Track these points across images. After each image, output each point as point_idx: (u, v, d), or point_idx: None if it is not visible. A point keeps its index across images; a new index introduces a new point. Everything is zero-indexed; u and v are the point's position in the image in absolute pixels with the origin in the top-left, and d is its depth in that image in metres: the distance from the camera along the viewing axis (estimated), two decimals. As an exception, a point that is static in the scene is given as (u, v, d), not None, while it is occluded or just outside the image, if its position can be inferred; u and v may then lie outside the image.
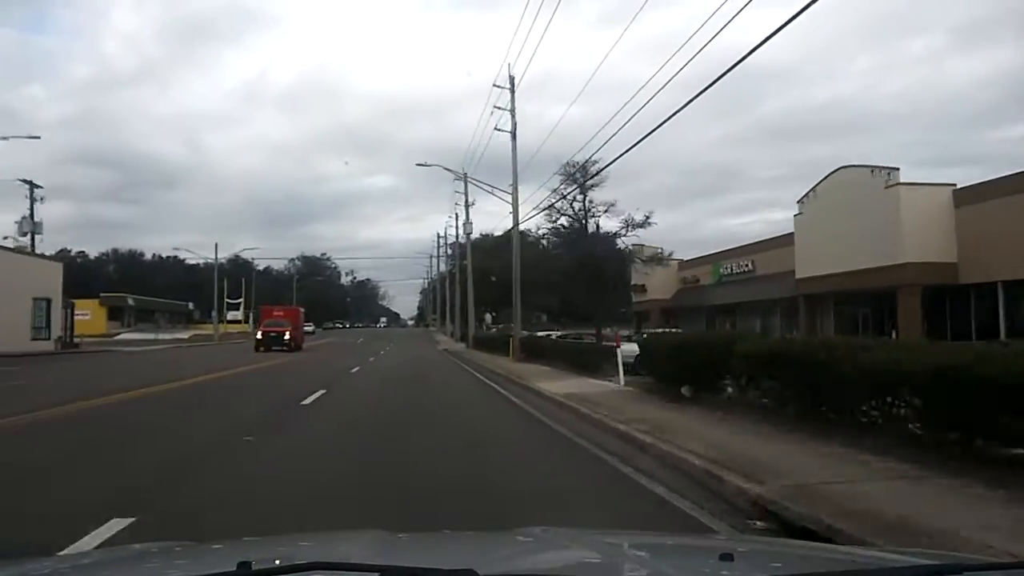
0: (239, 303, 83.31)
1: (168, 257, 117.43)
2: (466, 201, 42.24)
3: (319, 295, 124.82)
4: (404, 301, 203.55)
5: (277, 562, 1.76)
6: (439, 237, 77.66)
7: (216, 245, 77.73)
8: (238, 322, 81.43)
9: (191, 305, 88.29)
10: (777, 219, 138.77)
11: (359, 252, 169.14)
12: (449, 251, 77.60)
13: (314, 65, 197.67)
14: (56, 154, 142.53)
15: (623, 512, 5.94)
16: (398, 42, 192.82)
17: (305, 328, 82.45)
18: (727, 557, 1.76)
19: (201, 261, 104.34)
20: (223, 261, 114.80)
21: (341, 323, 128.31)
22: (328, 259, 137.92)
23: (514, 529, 2.35)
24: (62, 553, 3.62)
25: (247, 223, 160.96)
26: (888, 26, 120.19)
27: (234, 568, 1.48)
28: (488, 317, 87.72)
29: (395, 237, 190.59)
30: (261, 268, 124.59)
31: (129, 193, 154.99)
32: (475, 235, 56.17)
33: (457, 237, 59.82)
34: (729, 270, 44.22)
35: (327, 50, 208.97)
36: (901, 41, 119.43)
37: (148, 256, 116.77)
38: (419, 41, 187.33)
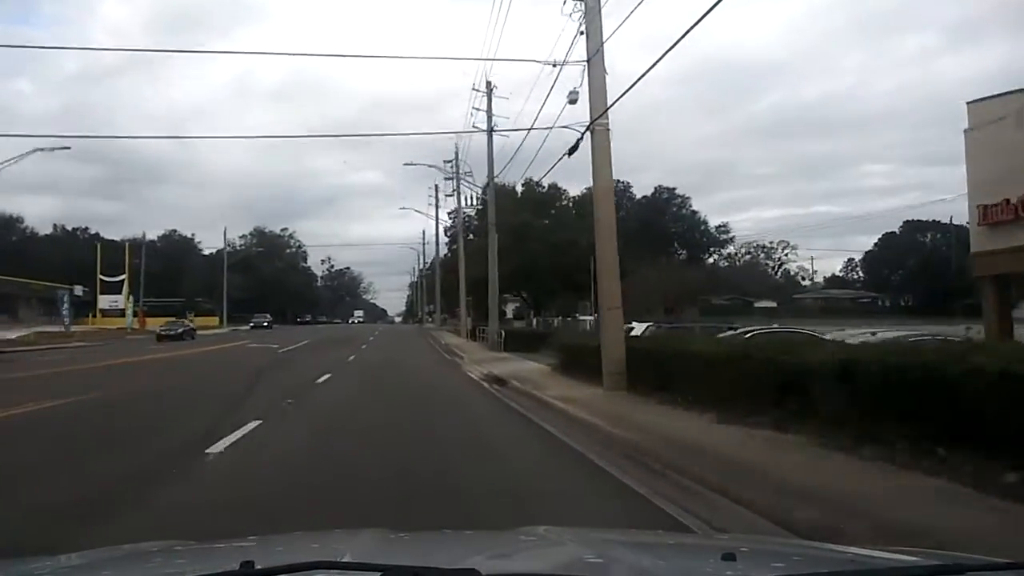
0: (120, 281, 55.60)
1: (75, 229, 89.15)
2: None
3: (279, 283, 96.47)
4: (390, 297, 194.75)
5: (280, 562, 1.60)
6: (437, 188, 51.54)
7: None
8: (119, 311, 54.08)
9: (79, 290, 60.17)
10: (768, 216, 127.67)
11: (344, 246, 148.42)
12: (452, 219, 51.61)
13: (302, 59, 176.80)
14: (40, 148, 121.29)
15: None
16: (388, 36, 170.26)
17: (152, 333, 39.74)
18: (730, 557, 1.71)
19: (122, 236, 77.52)
20: (153, 239, 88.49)
21: (263, 319, 73.46)
22: (291, 236, 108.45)
23: (516, 528, 2.29)
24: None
25: (234, 218, 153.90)
26: (881, 23, 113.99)
27: (237, 567, 1.44)
28: (509, 310, 60.94)
29: (383, 233, 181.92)
30: (213, 250, 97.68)
31: (115, 188, 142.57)
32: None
33: (458, 189, 33.58)
34: None
35: (316, 45, 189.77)
36: (893, 38, 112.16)
37: (40, 229, 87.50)
38: (411, 35, 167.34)
